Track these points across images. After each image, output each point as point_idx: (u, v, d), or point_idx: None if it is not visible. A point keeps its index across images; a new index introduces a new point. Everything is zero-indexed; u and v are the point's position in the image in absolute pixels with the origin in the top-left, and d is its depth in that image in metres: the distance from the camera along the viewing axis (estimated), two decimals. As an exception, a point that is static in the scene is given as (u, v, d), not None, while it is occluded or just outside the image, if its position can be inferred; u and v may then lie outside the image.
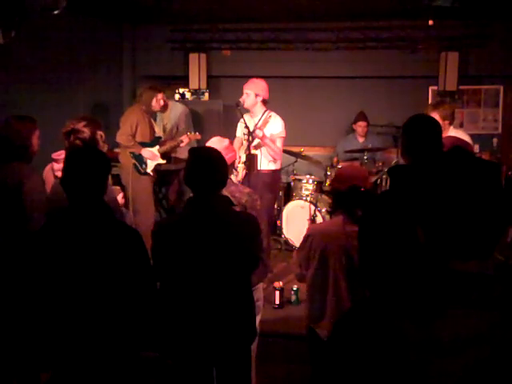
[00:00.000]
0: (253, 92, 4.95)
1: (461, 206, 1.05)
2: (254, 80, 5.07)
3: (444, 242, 1.06)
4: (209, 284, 2.46)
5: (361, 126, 6.94)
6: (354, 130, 7.07)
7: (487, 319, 1.06)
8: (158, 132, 6.15)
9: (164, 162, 5.84)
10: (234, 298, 2.52)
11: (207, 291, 2.47)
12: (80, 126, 3.25)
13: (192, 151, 2.60)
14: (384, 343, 1.07)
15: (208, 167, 2.50)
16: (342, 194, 2.96)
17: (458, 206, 1.05)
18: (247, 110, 5.09)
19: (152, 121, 5.97)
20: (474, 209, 1.05)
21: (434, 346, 1.05)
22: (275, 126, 4.97)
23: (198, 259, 2.45)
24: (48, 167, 3.71)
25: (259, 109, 5.02)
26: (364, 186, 2.90)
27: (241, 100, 4.95)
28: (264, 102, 5.03)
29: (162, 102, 5.88)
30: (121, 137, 5.60)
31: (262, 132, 4.84)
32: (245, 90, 5.00)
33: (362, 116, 6.98)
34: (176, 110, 6.68)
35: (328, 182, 6.20)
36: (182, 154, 6.94)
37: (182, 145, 6.02)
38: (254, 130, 4.85)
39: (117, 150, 5.89)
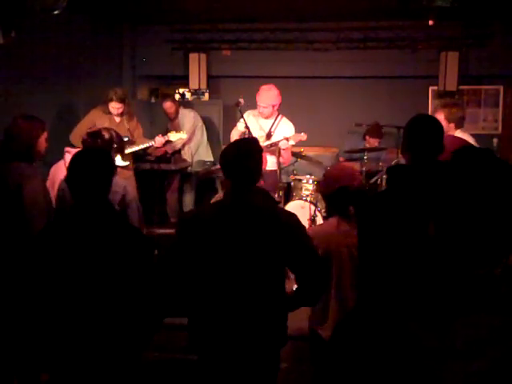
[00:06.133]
0: (270, 105, 5.21)
1: (476, 205, 1.06)
2: (268, 93, 5.23)
3: (456, 239, 1.07)
4: (243, 282, 2.35)
5: (374, 143, 6.55)
6: (363, 138, 6.74)
7: (497, 323, 1.07)
8: (125, 133, 5.36)
9: (127, 163, 5.14)
10: (268, 299, 2.42)
11: (240, 289, 2.36)
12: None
13: (234, 143, 2.56)
14: (395, 347, 1.07)
15: (249, 158, 2.42)
16: (331, 198, 2.95)
17: (473, 204, 1.06)
18: (245, 110, 5.28)
19: (126, 123, 5.57)
20: (490, 208, 1.06)
21: (448, 351, 1.06)
22: (287, 129, 5.33)
23: (234, 253, 2.35)
24: (60, 162, 3.88)
25: (273, 113, 5.34)
26: (351, 184, 2.89)
27: (241, 100, 5.04)
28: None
29: (117, 111, 5.50)
30: (73, 137, 5.40)
31: (288, 144, 5.19)
32: (260, 104, 5.20)
33: (376, 133, 6.53)
34: (185, 117, 6.72)
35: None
36: (186, 154, 6.95)
37: (156, 145, 5.68)
38: (269, 133, 5.25)
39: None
